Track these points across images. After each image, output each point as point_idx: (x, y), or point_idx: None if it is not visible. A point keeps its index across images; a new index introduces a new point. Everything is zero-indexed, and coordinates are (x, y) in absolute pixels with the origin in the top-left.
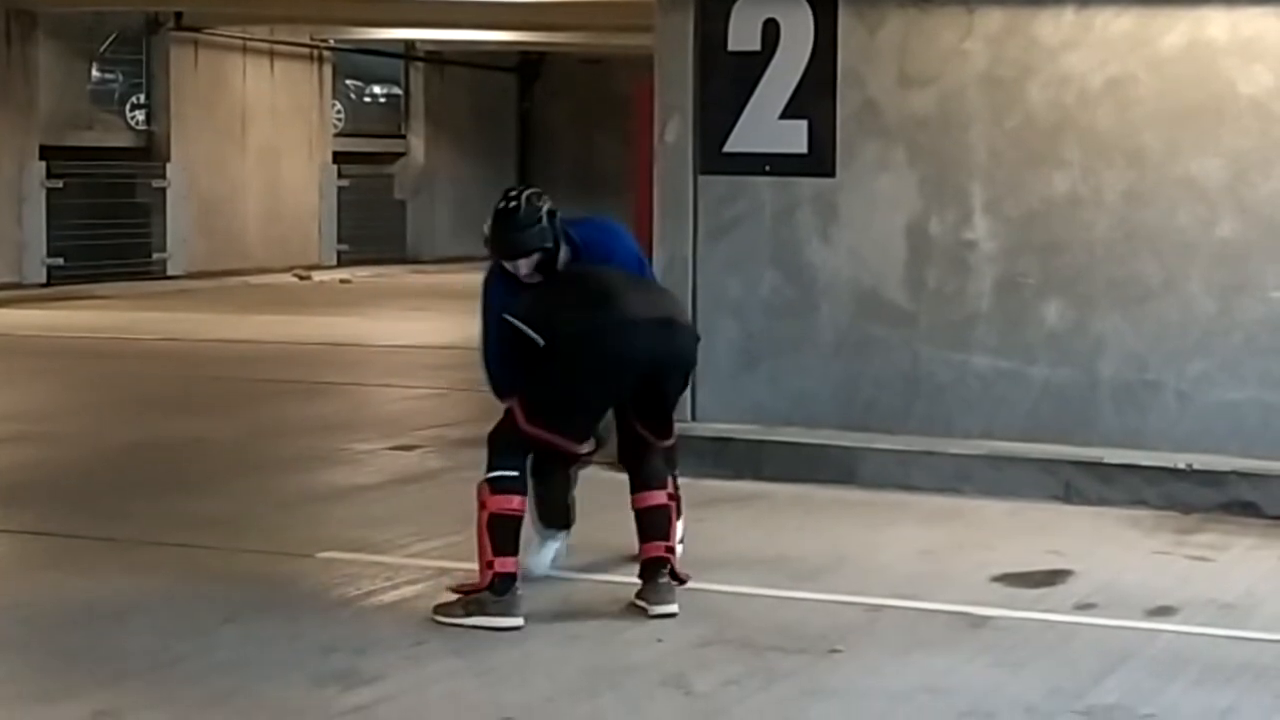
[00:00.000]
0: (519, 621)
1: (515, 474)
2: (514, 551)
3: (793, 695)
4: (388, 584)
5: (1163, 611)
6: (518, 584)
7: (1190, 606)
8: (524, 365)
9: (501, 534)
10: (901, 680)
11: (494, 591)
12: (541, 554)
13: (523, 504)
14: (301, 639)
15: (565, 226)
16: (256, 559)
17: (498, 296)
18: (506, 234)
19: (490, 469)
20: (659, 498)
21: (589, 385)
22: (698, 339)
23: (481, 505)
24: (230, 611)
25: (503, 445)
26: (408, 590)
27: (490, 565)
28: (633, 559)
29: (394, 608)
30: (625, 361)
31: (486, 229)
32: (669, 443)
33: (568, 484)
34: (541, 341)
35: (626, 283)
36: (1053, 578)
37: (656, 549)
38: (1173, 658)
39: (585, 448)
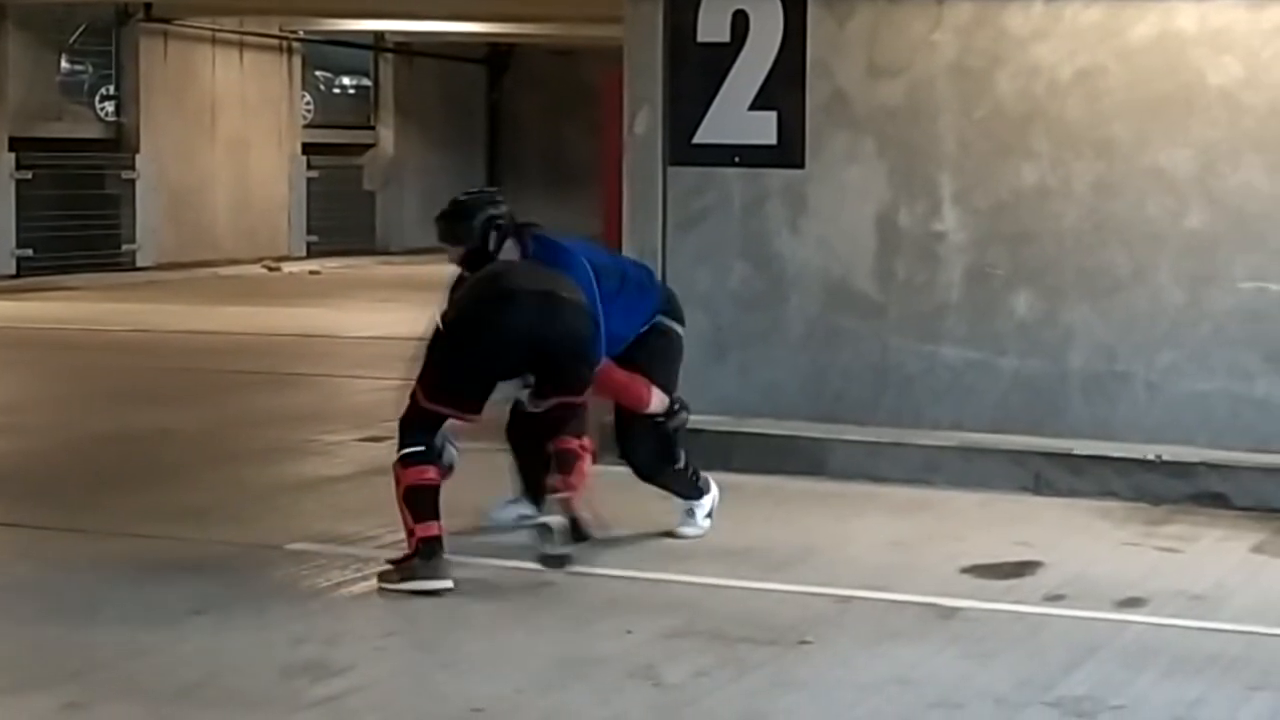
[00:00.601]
0: (448, 583)
1: (422, 448)
2: (434, 516)
3: (762, 686)
4: (357, 575)
5: (1132, 603)
6: (443, 547)
7: (1159, 598)
8: (426, 350)
9: (419, 503)
10: (871, 671)
11: (421, 556)
12: (505, 510)
13: (437, 474)
14: (271, 630)
15: (531, 240)
16: (226, 550)
17: None
18: (442, 218)
19: (400, 447)
20: (570, 443)
21: (475, 360)
22: (590, 316)
23: (398, 481)
24: (200, 603)
25: (409, 425)
26: (377, 581)
27: (413, 533)
28: (602, 543)
29: (364, 599)
30: (505, 333)
31: None
32: (575, 400)
33: (543, 463)
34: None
35: (521, 266)
36: (1022, 569)
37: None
38: (1142, 649)
39: (478, 419)
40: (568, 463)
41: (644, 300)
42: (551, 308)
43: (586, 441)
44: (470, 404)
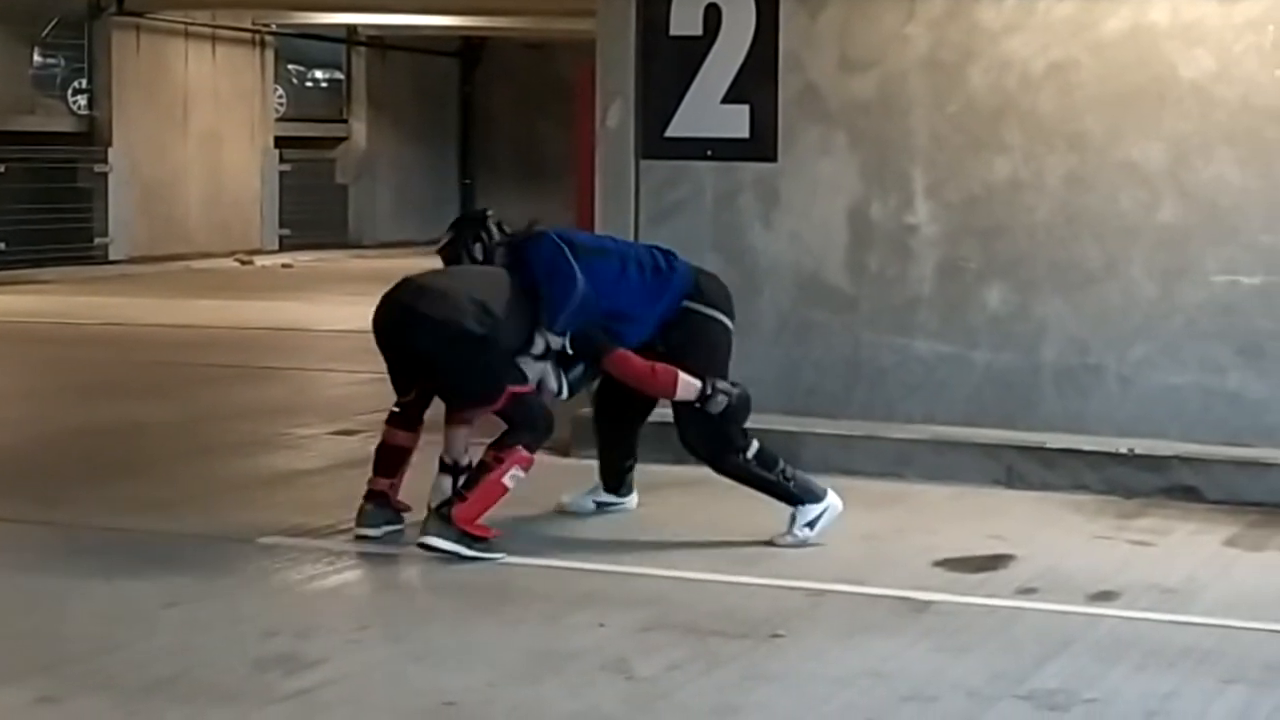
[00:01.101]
0: (369, 532)
1: (396, 410)
2: (384, 474)
3: (735, 680)
4: (329, 568)
5: (1104, 596)
6: (380, 503)
7: (1132, 591)
8: None
9: (378, 457)
10: (844, 664)
11: (364, 499)
12: (578, 497)
13: (403, 437)
14: (243, 623)
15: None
16: (198, 544)
17: None
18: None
19: None
20: (490, 455)
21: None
22: (443, 334)
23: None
24: (171, 596)
25: None
26: (350, 575)
27: (369, 483)
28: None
29: (336, 592)
30: (376, 337)
31: None
32: (470, 413)
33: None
34: None
35: (449, 272)
36: (995, 562)
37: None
38: (1115, 642)
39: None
40: (473, 480)
41: (659, 285)
42: (403, 320)
43: (517, 453)
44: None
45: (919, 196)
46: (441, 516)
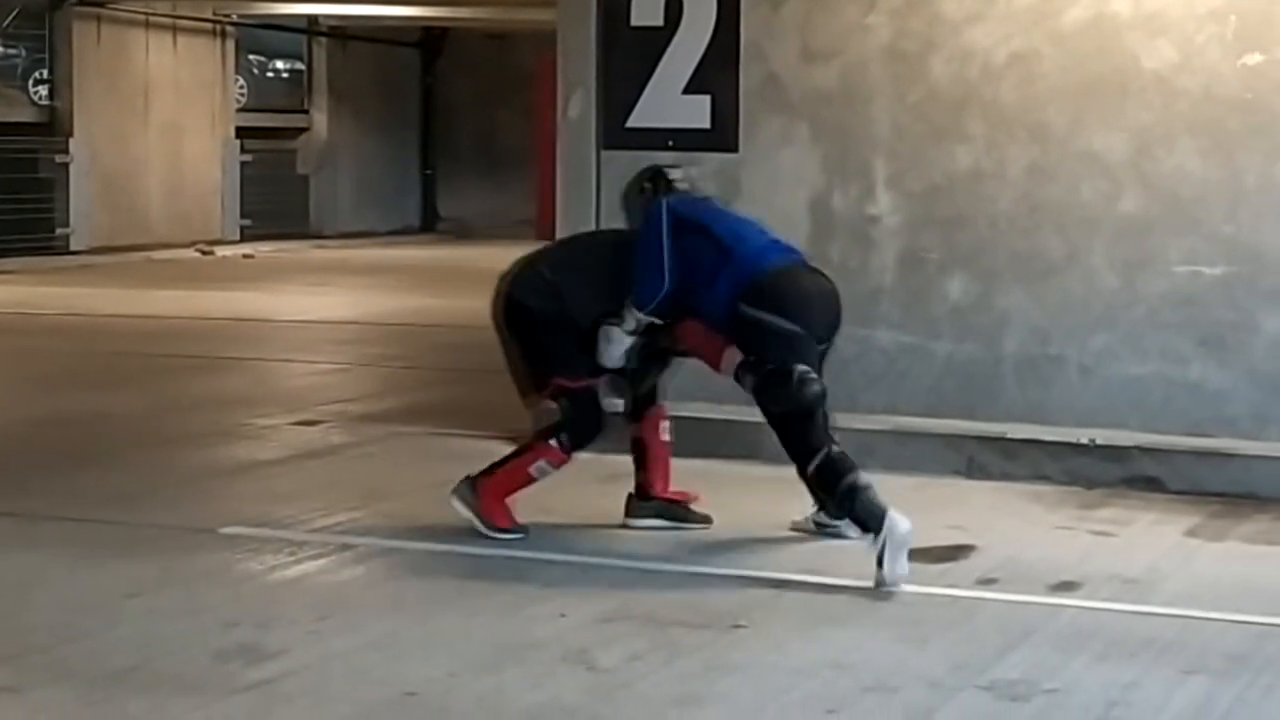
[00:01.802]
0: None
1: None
2: (638, 468)
3: (696, 670)
4: (291, 559)
5: (1065, 587)
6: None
7: (1093, 582)
8: None
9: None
10: (805, 655)
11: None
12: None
13: (632, 428)
14: (204, 614)
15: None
16: (159, 534)
17: None
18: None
19: None
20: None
21: None
22: (508, 309)
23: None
24: (133, 586)
25: None
26: (310, 565)
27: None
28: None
29: (297, 582)
30: None
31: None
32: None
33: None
34: None
35: (551, 243)
36: (955, 553)
37: None
38: (1076, 633)
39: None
40: (506, 459)
41: (717, 275)
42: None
43: (548, 447)
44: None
45: (880, 187)
46: (471, 483)
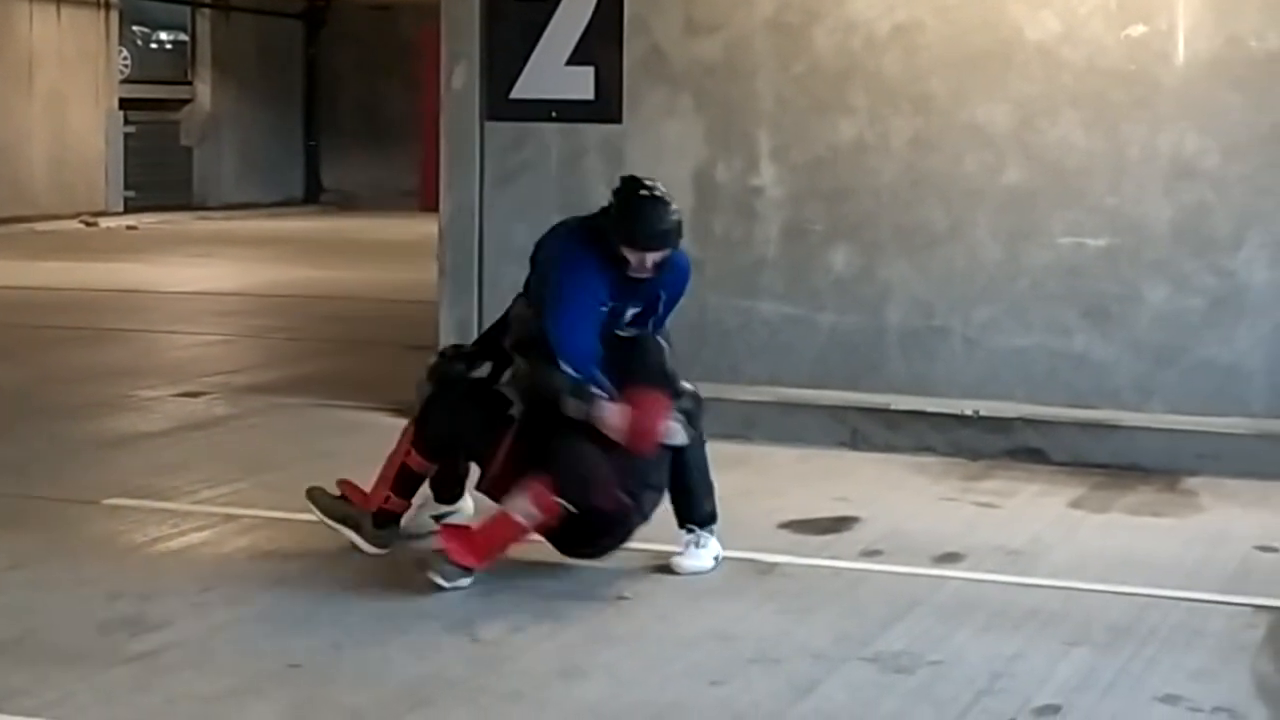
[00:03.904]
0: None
1: None
2: None
3: (580, 642)
4: (174, 530)
5: (949, 558)
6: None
7: (977, 553)
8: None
9: None
10: (689, 627)
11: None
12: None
13: None
14: (88, 585)
15: None
16: (42, 505)
17: (593, 273)
18: (665, 223)
19: None
20: None
21: None
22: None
23: None
24: (16, 558)
25: None
26: (194, 537)
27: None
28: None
29: (181, 554)
30: None
31: (642, 213)
32: None
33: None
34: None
35: None
36: (839, 524)
37: None
38: (960, 604)
39: None
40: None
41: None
42: None
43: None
44: None
45: (764, 159)
46: None
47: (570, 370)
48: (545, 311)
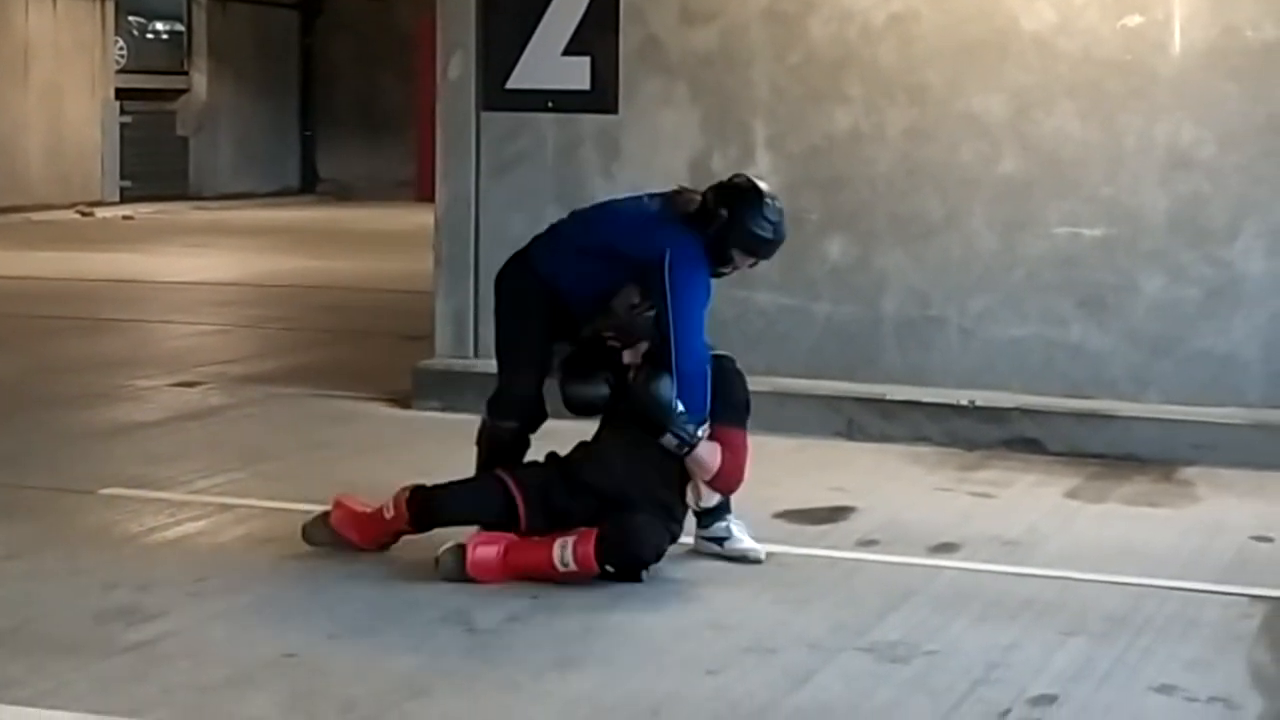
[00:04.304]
0: None
1: None
2: None
3: (575, 631)
4: (170, 520)
5: (945, 548)
6: None
7: (973, 543)
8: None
9: None
10: (685, 616)
11: None
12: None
13: None
14: (83, 575)
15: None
16: (38, 495)
17: (704, 285)
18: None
19: None
20: None
21: None
22: None
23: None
24: (11, 548)
25: None
26: (190, 527)
27: None
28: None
29: (177, 544)
30: None
31: (771, 225)
32: None
33: None
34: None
35: None
36: (836, 514)
37: None
38: (955, 594)
39: None
40: None
41: None
42: None
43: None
44: None
45: (760, 148)
46: None
47: (688, 400)
48: (675, 328)
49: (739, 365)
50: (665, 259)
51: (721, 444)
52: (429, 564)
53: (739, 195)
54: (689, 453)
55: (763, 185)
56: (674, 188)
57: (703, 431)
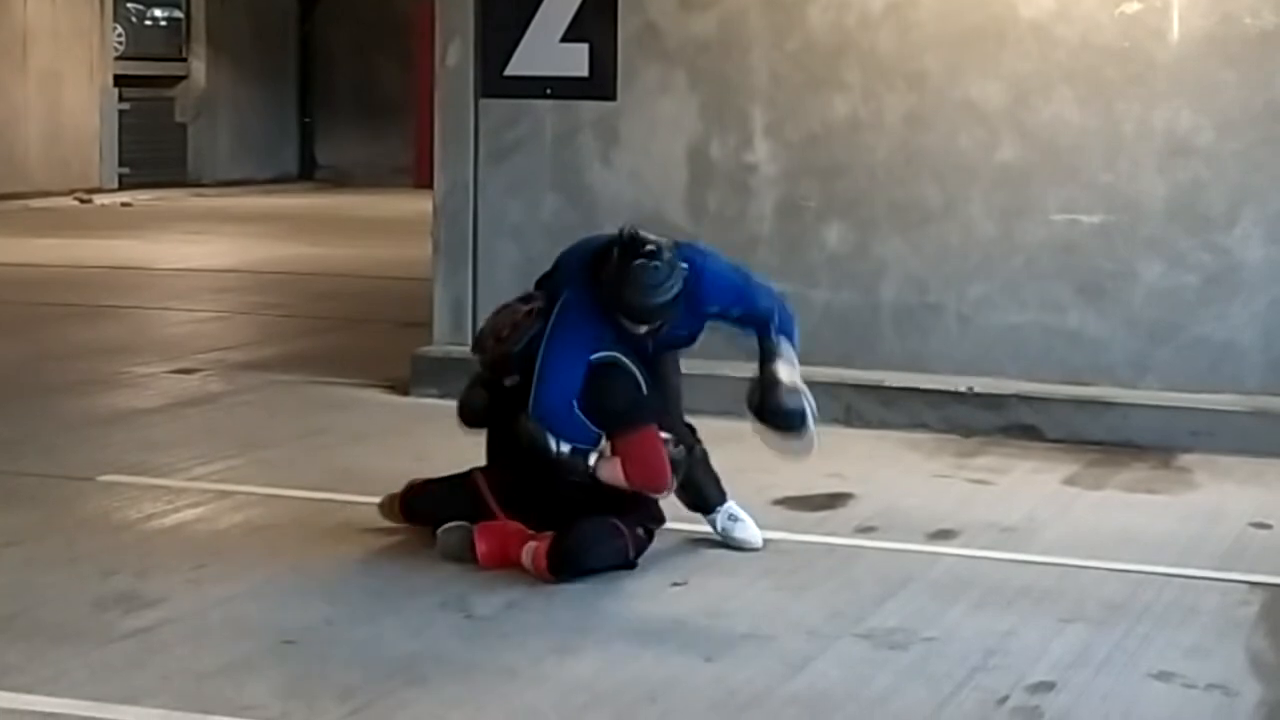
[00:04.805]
0: None
1: None
2: None
3: (573, 618)
4: (169, 507)
5: (943, 535)
6: None
7: (971, 530)
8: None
9: None
10: (683, 603)
11: None
12: None
13: None
14: (82, 562)
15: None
16: (37, 482)
17: (586, 326)
18: (656, 297)
19: None
20: None
21: None
22: None
23: None
24: (10, 535)
25: None
26: (189, 513)
27: None
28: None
29: (175, 531)
30: None
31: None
32: None
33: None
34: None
35: None
36: (833, 501)
37: None
38: (953, 581)
39: None
40: None
41: None
42: None
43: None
44: None
45: (758, 135)
46: None
47: (559, 436)
48: (536, 372)
49: (622, 360)
50: (559, 302)
51: (620, 455)
52: (427, 551)
53: (619, 251)
54: (594, 478)
55: (650, 244)
56: (628, 230)
57: (594, 457)
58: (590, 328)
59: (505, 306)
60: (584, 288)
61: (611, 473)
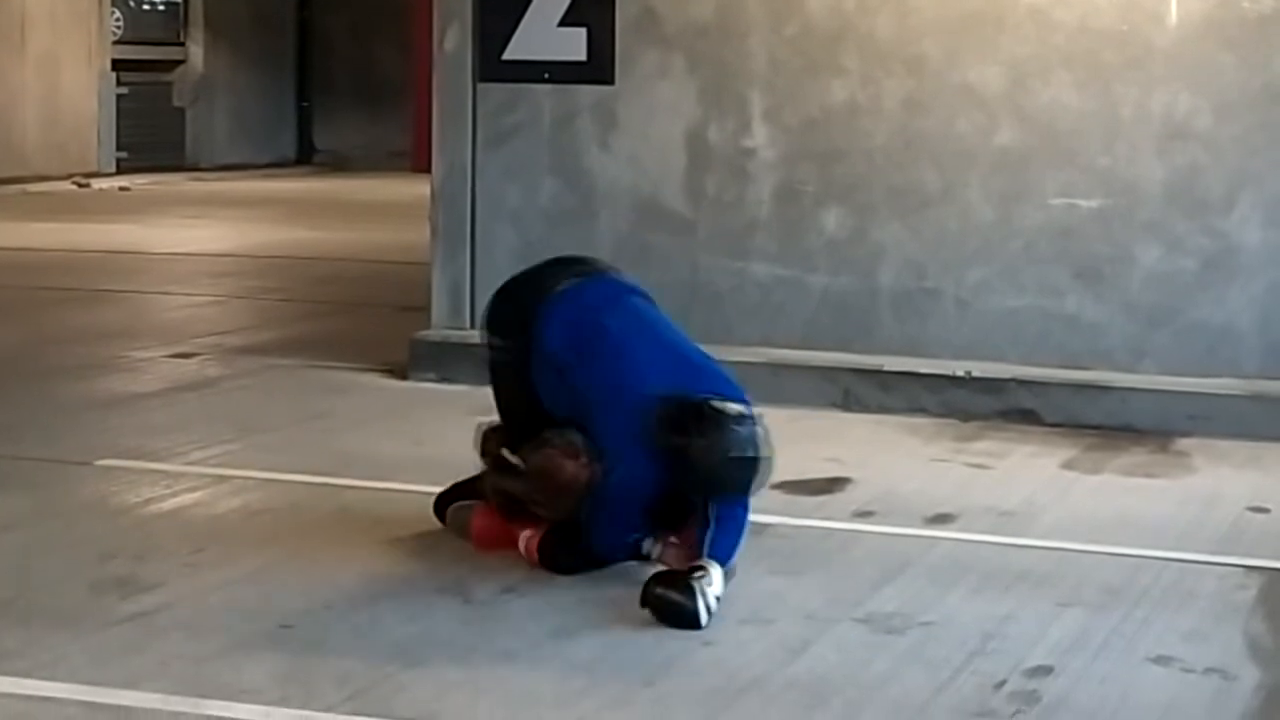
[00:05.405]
0: None
1: None
2: None
3: (570, 603)
4: (167, 491)
5: (942, 519)
6: None
7: (969, 514)
8: None
9: None
10: None
11: None
12: None
13: None
14: (80, 546)
15: None
16: (35, 466)
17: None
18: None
19: None
20: None
21: None
22: None
23: None
24: (7, 519)
25: None
26: (187, 498)
27: None
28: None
29: (173, 515)
30: None
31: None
32: None
33: None
34: None
35: None
36: (832, 485)
37: None
38: (952, 565)
39: None
40: None
41: None
42: None
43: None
44: None
45: (757, 120)
46: None
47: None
48: (590, 519)
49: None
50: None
51: (682, 542)
52: (425, 537)
53: (703, 437)
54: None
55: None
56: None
57: (649, 542)
58: (642, 503)
59: (545, 445)
60: (642, 463)
61: (677, 561)
